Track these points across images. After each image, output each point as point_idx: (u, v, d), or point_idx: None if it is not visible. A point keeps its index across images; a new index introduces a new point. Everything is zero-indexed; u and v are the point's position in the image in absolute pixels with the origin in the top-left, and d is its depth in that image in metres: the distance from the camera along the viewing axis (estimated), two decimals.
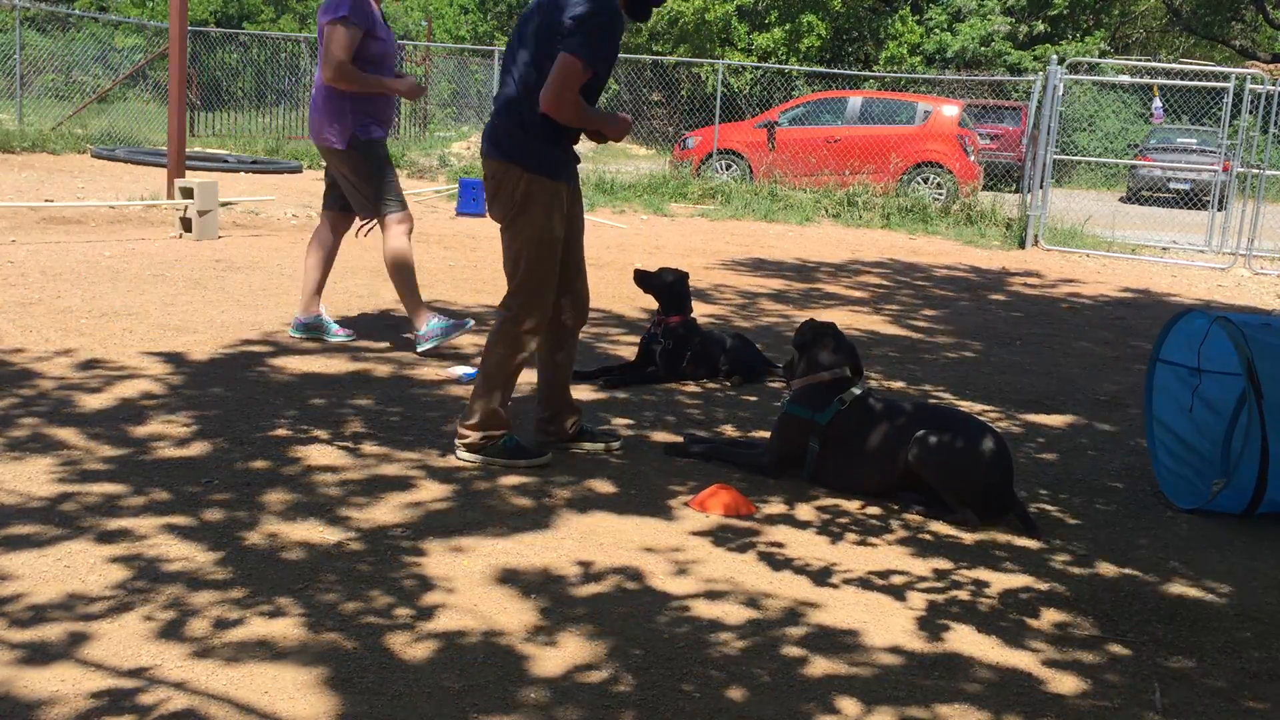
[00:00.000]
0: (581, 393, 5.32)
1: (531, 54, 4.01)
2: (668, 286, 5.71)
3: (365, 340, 6.02)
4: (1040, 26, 26.89)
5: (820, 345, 4.32)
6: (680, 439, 4.65)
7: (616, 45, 4.06)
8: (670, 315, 5.67)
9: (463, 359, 5.76)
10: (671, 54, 25.67)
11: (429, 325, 5.73)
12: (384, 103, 5.70)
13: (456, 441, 4.24)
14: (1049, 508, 4.20)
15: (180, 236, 8.88)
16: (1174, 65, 20.05)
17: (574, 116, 4.01)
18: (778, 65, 23.42)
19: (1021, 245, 12.98)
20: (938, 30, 27.18)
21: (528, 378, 4.67)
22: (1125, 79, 18.50)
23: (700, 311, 5.75)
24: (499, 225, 4.21)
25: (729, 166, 17.32)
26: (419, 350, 5.75)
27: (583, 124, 4.08)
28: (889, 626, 3.09)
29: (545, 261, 4.13)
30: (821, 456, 4.20)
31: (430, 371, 5.51)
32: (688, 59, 24.10)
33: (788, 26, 27.15)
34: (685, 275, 5.80)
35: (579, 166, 4.37)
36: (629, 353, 6.03)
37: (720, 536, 3.67)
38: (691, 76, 25.48)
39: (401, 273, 5.72)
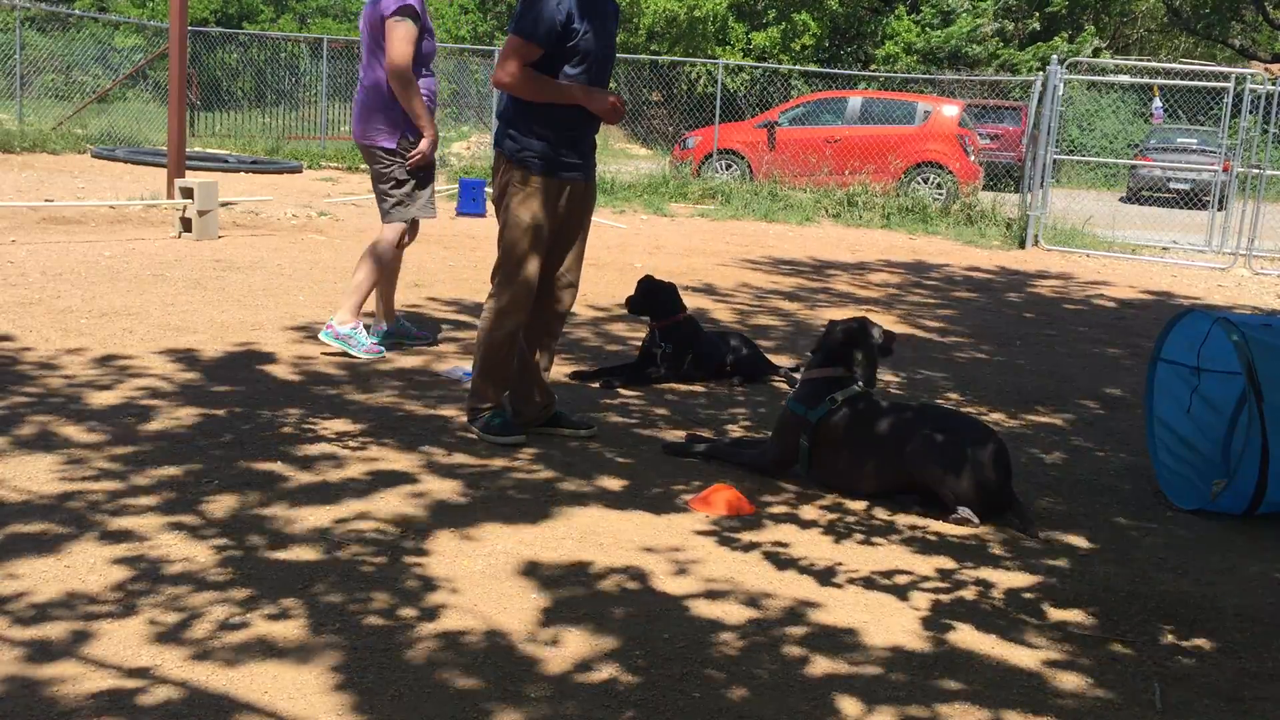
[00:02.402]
0: (584, 393, 5.32)
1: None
2: (655, 295, 5.70)
3: None
4: (1034, 24, 26.87)
5: (837, 342, 4.32)
6: (682, 438, 4.65)
7: (554, 17, 4.12)
8: (665, 320, 5.67)
9: (465, 358, 5.76)
10: (668, 54, 25.67)
11: (356, 331, 5.67)
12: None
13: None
14: (1050, 508, 4.20)
15: (180, 236, 8.88)
16: (1174, 65, 20.04)
17: (524, 90, 4.24)
18: (775, 65, 23.42)
19: (1022, 245, 12.99)
20: (928, 29, 27.17)
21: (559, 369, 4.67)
22: (1125, 79, 18.51)
23: (702, 311, 5.75)
24: None
25: (729, 166, 17.33)
26: (320, 337, 5.66)
27: (541, 97, 4.25)
28: (890, 625, 3.09)
29: (521, 247, 4.33)
30: (814, 455, 4.20)
31: (431, 371, 5.52)
32: (681, 58, 24.11)
33: (783, 26, 27.14)
34: (661, 282, 5.77)
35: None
36: (632, 352, 6.03)
37: (721, 536, 3.68)
38: (686, 76, 25.48)
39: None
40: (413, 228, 5.82)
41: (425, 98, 5.54)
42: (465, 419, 4.59)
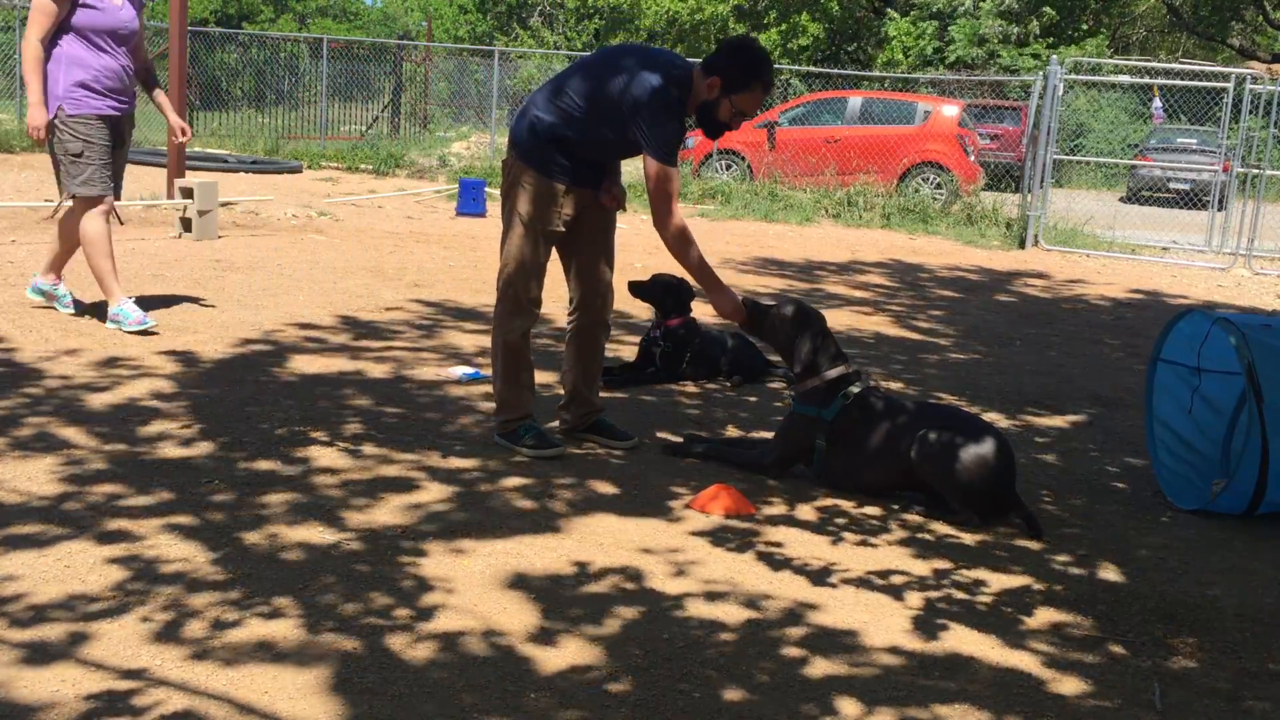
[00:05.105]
0: None
1: (588, 95, 4.13)
2: (666, 291, 5.69)
3: (365, 340, 6.02)
4: (1034, 28, 26.87)
5: (813, 340, 4.27)
6: (680, 439, 4.65)
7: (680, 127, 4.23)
8: (671, 318, 5.67)
9: (465, 359, 5.76)
10: None
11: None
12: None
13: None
14: (1050, 508, 4.20)
15: (180, 236, 8.88)
16: (1174, 65, 20.04)
17: (683, 244, 4.19)
18: (775, 66, 23.42)
19: (1021, 245, 12.99)
20: (924, 36, 27.18)
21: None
22: (1125, 79, 18.51)
23: (701, 312, 5.75)
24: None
25: (729, 166, 17.33)
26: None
27: (691, 269, 4.31)
28: (889, 626, 3.09)
29: (522, 248, 4.26)
30: (827, 454, 4.20)
31: (430, 372, 5.51)
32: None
33: (784, 27, 27.18)
34: (681, 279, 5.77)
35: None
36: (630, 352, 6.03)
37: (720, 537, 3.67)
38: None
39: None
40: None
41: (104, 74, 5.55)
42: (497, 435, 4.42)
